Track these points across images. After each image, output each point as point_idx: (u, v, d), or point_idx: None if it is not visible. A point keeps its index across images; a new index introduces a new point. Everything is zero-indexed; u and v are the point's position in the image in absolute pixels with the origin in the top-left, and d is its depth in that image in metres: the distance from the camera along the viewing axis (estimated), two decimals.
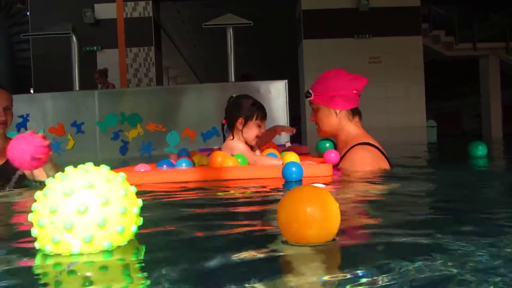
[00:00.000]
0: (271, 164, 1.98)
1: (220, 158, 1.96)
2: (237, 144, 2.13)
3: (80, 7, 8.22)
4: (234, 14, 5.14)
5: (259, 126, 2.17)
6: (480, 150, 2.40)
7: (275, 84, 4.55)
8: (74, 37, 4.99)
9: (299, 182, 1.63)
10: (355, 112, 2.09)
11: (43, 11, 8.28)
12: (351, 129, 2.07)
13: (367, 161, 1.96)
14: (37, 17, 8.43)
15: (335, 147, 2.17)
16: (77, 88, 4.96)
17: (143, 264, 0.71)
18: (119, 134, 4.61)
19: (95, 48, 8.76)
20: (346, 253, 0.73)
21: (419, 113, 8.80)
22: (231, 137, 2.20)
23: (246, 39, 10.45)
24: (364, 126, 2.15)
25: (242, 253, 0.69)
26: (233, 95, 2.24)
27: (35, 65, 8.70)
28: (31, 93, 7.89)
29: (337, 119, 2.07)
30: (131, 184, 0.79)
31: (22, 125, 4.58)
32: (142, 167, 1.97)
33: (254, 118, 2.15)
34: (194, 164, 2.11)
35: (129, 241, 0.77)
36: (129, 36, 7.53)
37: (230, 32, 4.86)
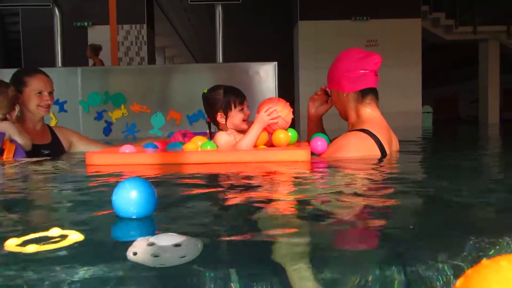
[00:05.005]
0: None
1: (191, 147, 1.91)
2: (219, 137, 2.03)
3: None
4: None
5: (241, 110, 2.06)
6: None
7: (264, 66, 4.40)
8: (56, 10, 4.80)
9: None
10: (366, 93, 1.98)
11: None
12: (360, 112, 1.99)
13: (352, 148, 1.86)
14: None
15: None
16: (60, 65, 4.79)
17: None
18: (102, 114, 4.47)
19: (86, 23, 8.56)
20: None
21: (415, 99, 8.69)
22: (221, 130, 2.12)
23: (239, 20, 10.25)
24: None
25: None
26: (205, 90, 2.11)
27: (25, 39, 8.52)
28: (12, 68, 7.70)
29: (346, 102, 2.01)
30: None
31: None
32: (127, 148, 1.92)
33: (233, 107, 2.04)
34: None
35: None
36: (121, 12, 7.33)
37: (219, 10, 4.68)
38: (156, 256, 0.58)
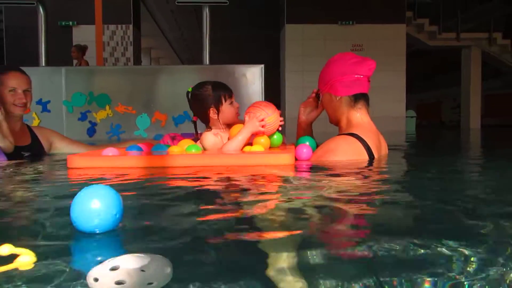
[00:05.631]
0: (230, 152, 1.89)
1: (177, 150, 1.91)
2: (206, 138, 2.03)
3: None
4: None
5: (231, 103, 2.09)
6: None
7: (251, 68, 4.41)
8: (40, 8, 4.72)
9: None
10: (359, 98, 1.99)
11: None
12: (351, 116, 1.99)
13: (340, 152, 1.87)
14: None
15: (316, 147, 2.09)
16: (44, 64, 4.71)
17: None
18: (86, 114, 4.41)
19: (71, 23, 8.46)
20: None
21: (400, 103, 8.80)
22: (209, 129, 2.12)
23: (226, 22, 10.24)
24: None
25: None
26: (189, 89, 2.12)
27: (8, 37, 8.37)
28: None
29: (338, 105, 2.00)
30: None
31: None
32: (110, 151, 1.89)
33: (224, 101, 2.06)
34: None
35: None
36: (106, 12, 7.27)
37: (206, 12, 4.67)
38: (120, 283, 0.51)
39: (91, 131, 4.40)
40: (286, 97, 8.58)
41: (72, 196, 0.78)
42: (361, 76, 1.97)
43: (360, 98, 2.00)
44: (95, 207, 0.73)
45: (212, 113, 2.06)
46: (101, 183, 1.12)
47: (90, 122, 4.41)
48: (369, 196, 1.21)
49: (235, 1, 5.58)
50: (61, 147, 2.55)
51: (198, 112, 2.12)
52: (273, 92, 7.17)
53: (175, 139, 2.21)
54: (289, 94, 8.57)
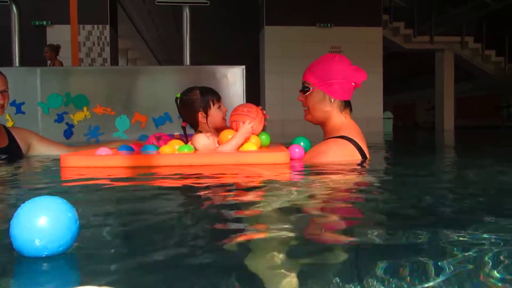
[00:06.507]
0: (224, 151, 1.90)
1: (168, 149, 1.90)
2: (198, 139, 2.02)
3: None
4: None
5: (219, 108, 2.11)
6: None
7: (232, 69, 4.39)
8: (14, 7, 4.57)
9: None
10: (347, 104, 2.02)
11: None
12: (338, 120, 1.99)
13: (331, 154, 1.88)
14: None
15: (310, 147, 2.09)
16: (17, 64, 4.57)
17: None
18: (63, 116, 4.29)
19: (45, 23, 8.26)
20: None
21: (377, 105, 8.94)
22: (200, 132, 2.11)
23: (205, 23, 10.19)
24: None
25: None
26: (177, 95, 2.13)
27: None
28: None
29: (329, 107, 1.98)
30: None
31: None
32: (103, 151, 1.88)
33: (212, 105, 2.08)
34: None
35: None
36: (82, 12, 7.13)
37: (186, 12, 4.62)
38: None
39: (68, 133, 4.29)
40: (266, 98, 8.61)
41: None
42: (354, 85, 2.01)
43: (348, 105, 2.04)
44: (39, 225, 0.60)
45: (201, 117, 2.08)
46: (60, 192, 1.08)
47: (67, 124, 4.30)
48: (363, 194, 1.21)
49: (215, 1, 5.55)
50: (40, 148, 2.47)
51: (187, 117, 2.13)
52: (253, 94, 7.17)
53: (160, 139, 2.20)
54: (269, 95, 8.60)
